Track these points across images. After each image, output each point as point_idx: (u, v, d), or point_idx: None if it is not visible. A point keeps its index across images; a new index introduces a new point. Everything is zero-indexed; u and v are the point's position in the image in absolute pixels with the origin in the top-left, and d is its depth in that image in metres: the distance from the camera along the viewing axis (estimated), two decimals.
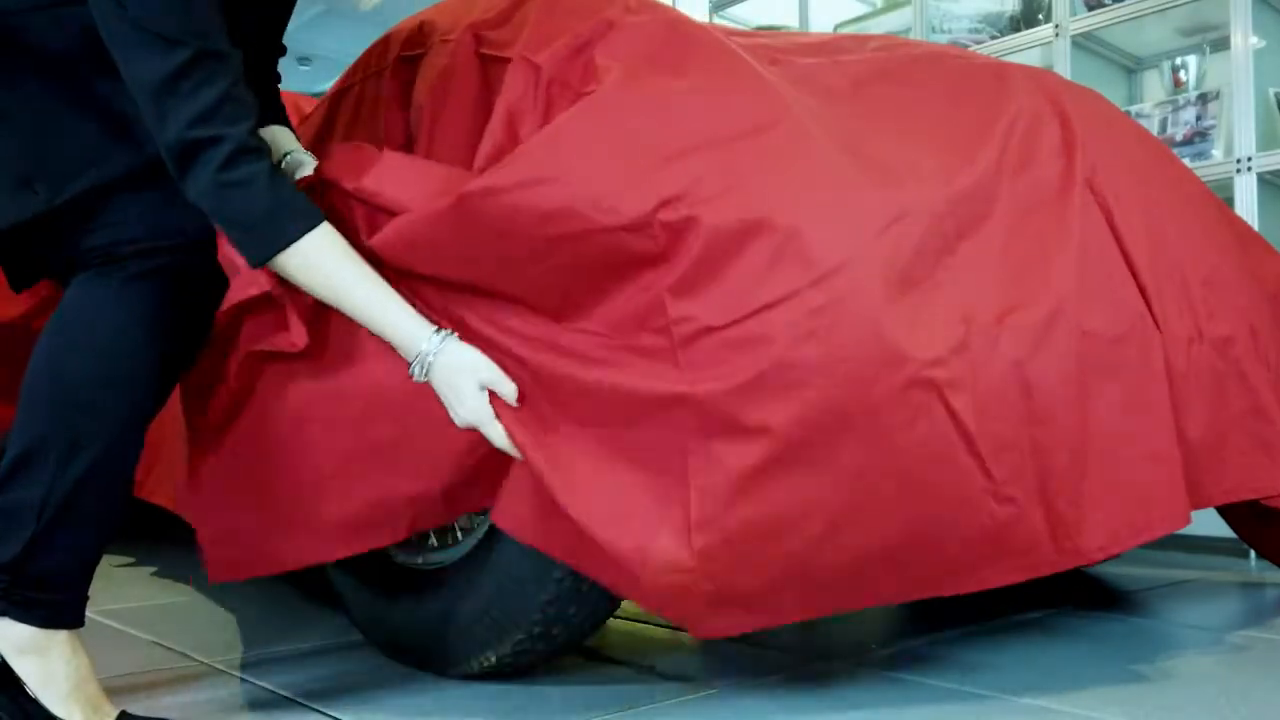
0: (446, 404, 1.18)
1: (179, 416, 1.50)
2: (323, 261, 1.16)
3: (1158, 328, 1.36)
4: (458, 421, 1.18)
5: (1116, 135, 1.62)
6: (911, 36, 3.17)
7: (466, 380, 1.15)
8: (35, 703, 1.13)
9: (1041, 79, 1.65)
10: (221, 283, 1.24)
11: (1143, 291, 1.38)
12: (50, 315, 1.25)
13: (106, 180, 1.17)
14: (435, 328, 1.18)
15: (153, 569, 2.49)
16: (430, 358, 1.15)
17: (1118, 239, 1.40)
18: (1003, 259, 1.25)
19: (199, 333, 1.27)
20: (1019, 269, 1.26)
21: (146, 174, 1.18)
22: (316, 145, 1.64)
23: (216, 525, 1.38)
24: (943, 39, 3.18)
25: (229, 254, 1.21)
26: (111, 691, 1.30)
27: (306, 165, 1.34)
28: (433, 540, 1.49)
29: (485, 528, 1.32)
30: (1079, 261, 1.31)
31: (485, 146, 1.20)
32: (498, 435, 1.15)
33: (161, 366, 1.20)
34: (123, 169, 1.18)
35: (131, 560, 2.64)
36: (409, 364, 1.17)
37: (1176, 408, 1.35)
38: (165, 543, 3.02)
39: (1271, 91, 2.69)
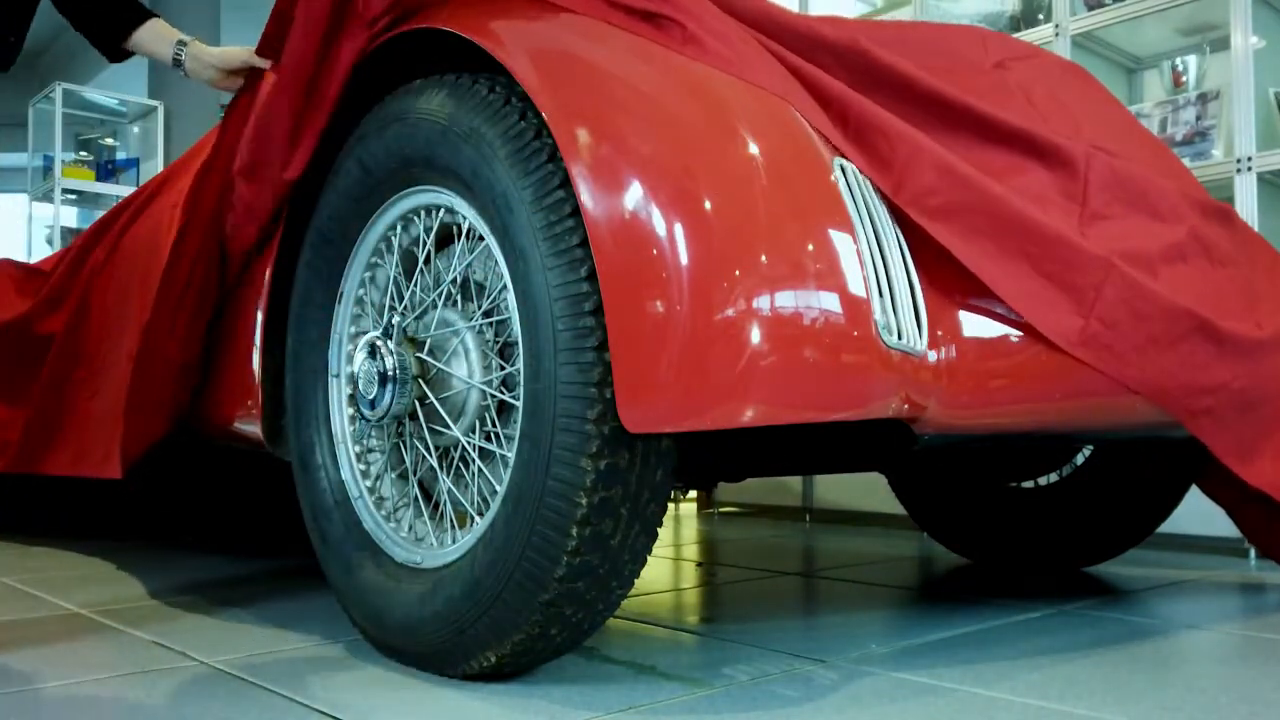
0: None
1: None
2: None
3: None
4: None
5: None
6: None
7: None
8: None
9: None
10: None
11: None
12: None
13: None
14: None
15: (153, 569, 2.49)
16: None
17: None
18: None
19: None
20: None
21: None
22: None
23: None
24: None
25: None
26: (110, 689, 1.31)
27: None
28: (432, 540, 1.49)
29: (485, 526, 1.32)
30: None
31: None
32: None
33: None
34: None
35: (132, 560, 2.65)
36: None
37: None
38: (165, 543, 3.02)
39: (1271, 91, 2.69)
